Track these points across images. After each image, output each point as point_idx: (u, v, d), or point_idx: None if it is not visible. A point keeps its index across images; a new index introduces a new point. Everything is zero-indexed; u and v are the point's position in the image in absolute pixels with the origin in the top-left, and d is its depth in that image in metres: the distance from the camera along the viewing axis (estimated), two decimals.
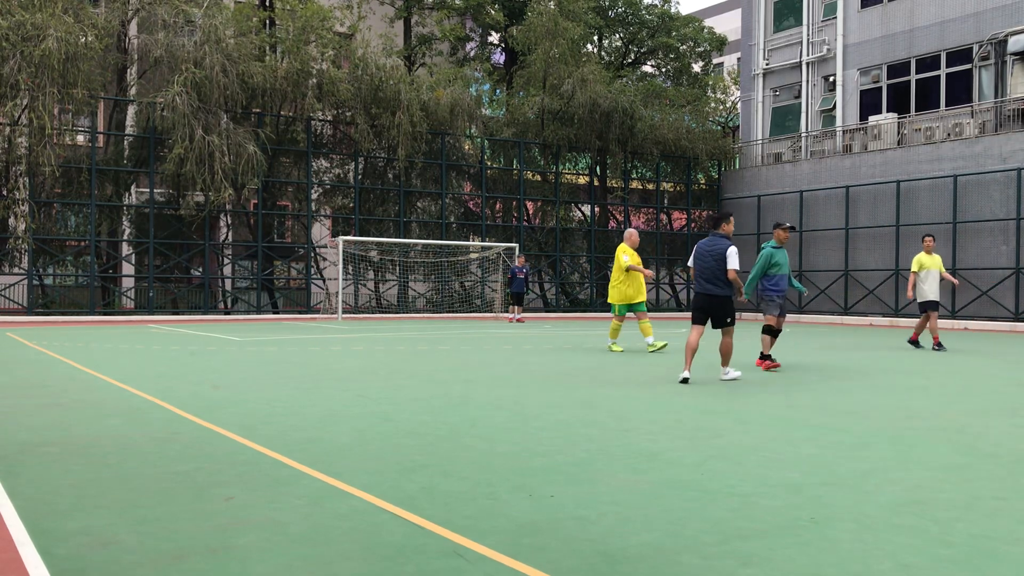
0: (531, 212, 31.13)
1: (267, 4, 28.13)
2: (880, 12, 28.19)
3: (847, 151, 28.31)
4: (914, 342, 14.85)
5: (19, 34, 20.58)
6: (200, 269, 26.50)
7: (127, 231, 25.71)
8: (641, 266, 13.29)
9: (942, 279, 14.62)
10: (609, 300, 13.50)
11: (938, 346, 14.40)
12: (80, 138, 25.69)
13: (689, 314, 32.12)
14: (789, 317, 29.05)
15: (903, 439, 5.73)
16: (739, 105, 35.14)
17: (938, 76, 26.69)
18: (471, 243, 28.29)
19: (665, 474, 4.62)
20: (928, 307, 14.30)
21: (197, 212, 23.92)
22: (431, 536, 3.46)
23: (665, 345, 13.75)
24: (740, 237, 31.70)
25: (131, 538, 3.40)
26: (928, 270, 14.34)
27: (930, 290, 14.29)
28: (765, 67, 31.60)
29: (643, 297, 13.28)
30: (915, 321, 25.19)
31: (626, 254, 13.16)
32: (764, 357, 10.82)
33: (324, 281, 27.41)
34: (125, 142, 25.63)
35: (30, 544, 3.31)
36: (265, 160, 24.41)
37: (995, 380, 9.71)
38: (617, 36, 37.60)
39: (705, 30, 37.43)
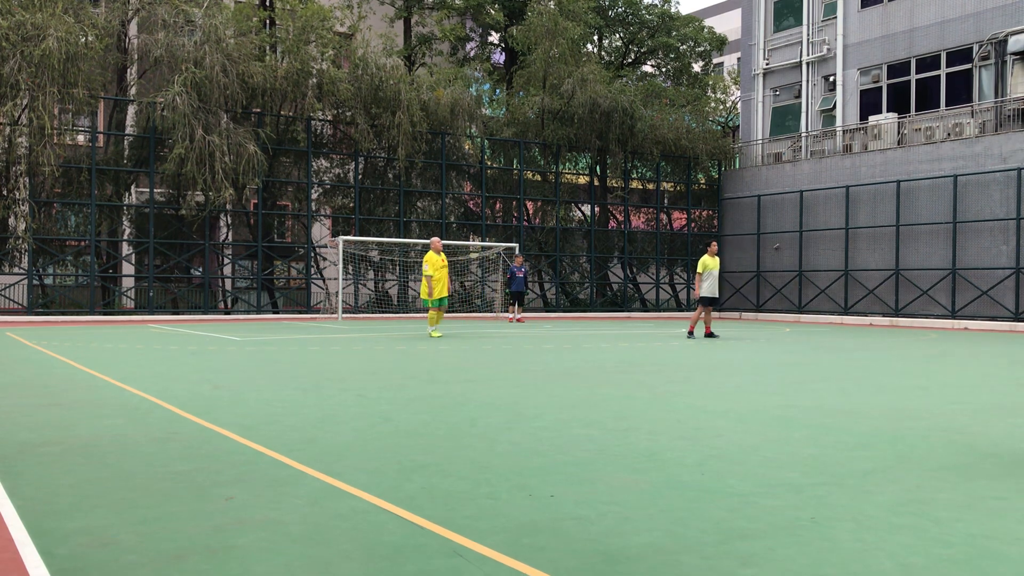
0: (531, 212, 31.13)
1: (267, 4, 28.12)
2: (880, 12, 28.19)
3: (847, 151, 28.31)
4: (691, 333, 17.13)
5: (19, 34, 20.58)
6: (200, 269, 26.51)
7: (127, 231, 25.72)
8: (437, 274, 16.16)
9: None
10: (421, 296, 16.58)
11: (710, 335, 16.91)
12: (80, 138, 25.70)
13: (689, 314, 32.17)
14: (788, 317, 29.10)
15: (903, 439, 5.73)
16: (739, 105, 35.14)
17: (938, 76, 26.70)
18: (471, 243, 28.30)
19: (665, 474, 4.62)
20: (708, 302, 16.83)
21: (197, 212, 23.92)
22: (431, 536, 3.46)
23: (441, 336, 16.50)
24: (740, 237, 31.73)
25: (131, 538, 3.40)
26: (710, 271, 16.73)
27: (709, 288, 16.71)
28: (765, 67, 31.60)
29: (446, 294, 16.40)
30: (914, 320, 25.24)
31: (427, 263, 16.15)
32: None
33: (324, 281, 27.42)
34: (125, 142, 25.63)
35: (30, 544, 3.31)
36: (265, 160, 24.41)
37: (995, 380, 9.71)
38: (617, 36, 37.60)
39: (705, 30, 37.42)
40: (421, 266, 16.36)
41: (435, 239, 16.59)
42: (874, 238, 27.18)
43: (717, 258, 17.08)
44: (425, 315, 26.91)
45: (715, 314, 31.66)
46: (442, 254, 16.45)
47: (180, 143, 22.26)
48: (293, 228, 29.51)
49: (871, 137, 27.57)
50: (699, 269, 16.78)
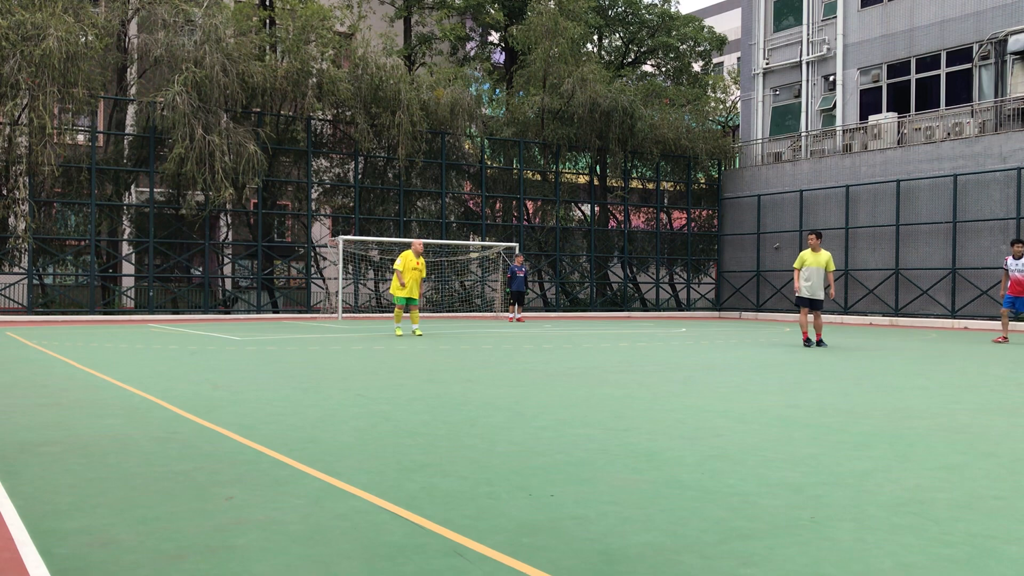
0: (531, 212, 31.13)
1: (267, 4, 28.12)
2: (880, 11, 28.18)
3: (847, 151, 28.31)
4: (807, 340, 14.97)
5: (19, 34, 20.58)
6: (200, 268, 26.51)
7: (127, 230, 25.72)
8: (404, 274, 16.36)
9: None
10: (391, 291, 16.83)
11: (819, 342, 14.88)
12: (80, 138, 25.70)
13: (689, 314, 32.09)
14: (788, 316, 29.08)
15: (903, 439, 5.73)
16: (739, 104, 35.14)
17: (938, 75, 26.70)
18: (471, 243, 28.30)
19: (665, 474, 4.62)
20: (805, 303, 14.88)
21: (197, 212, 23.92)
22: (431, 536, 3.46)
23: (421, 335, 16.73)
24: (740, 237, 31.73)
25: (131, 538, 3.40)
26: (808, 266, 14.83)
27: (807, 287, 14.82)
28: (765, 66, 31.60)
29: (415, 296, 16.65)
30: (914, 320, 25.23)
31: (401, 259, 16.52)
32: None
33: (324, 281, 27.41)
34: (125, 142, 25.63)
35: (30, 544, 3.31)
36: (265, 159, 24.41)
37: (995, 380, 9.71)
38: (617, 36, 37.60)
39: (705, 29, 37.43)
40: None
41: (417, 241, 16.97)
42: (874, 238, 27.18)
43: (824, 252, 14.86)
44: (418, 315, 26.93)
45: (714, 314, 31.67)
46: (421, 258, 16.68)
47: (180, 143, 22.26)
48: (293, 228, 29.51)
49: (871, 137, 27.57)
50: (796, 264, 15.01)
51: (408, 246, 27.48)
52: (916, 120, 26.88)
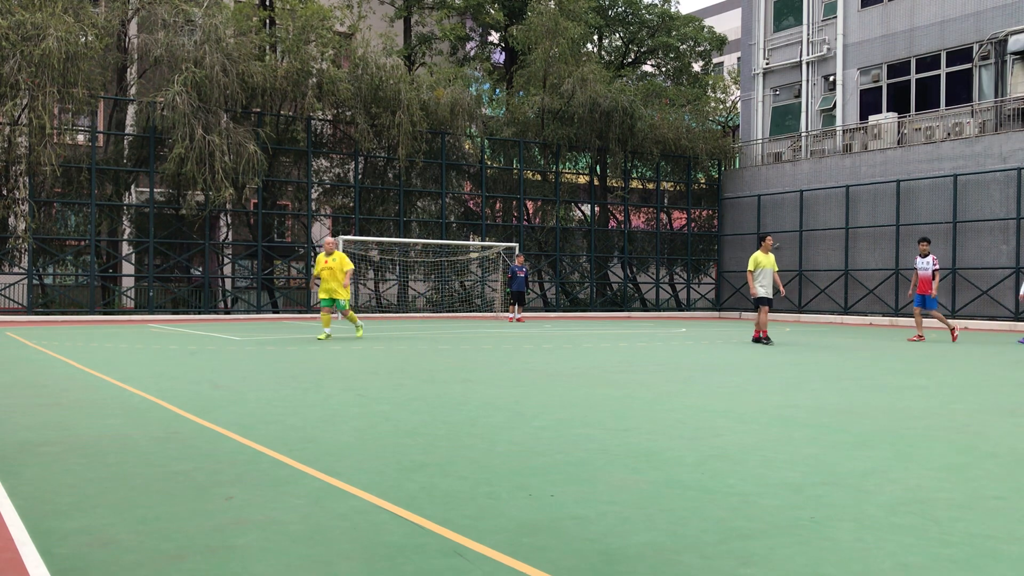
0: (531, 212, 31.13)
1: (267, 4, 28.12)
2: (880, 11, 28.19)
3: (847, 151, 28.31)
4: (764, 338, 15.34)
5: (19, 34, 20.58)
6: (200, 269, 26.50)
7: (127, 231, 25.72)
8: (323, 274, 15.44)
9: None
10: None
11: (766, 339, 15.32)
12: (80, 138, 25.70)
13: (689, 314, 32.09)
14: (788, 316, 29.08)
15: (903, 439, 5.73)
16: (739, 104, 35.13)
17: (938, 75, 26.70)
18: (471, 243, 28.29)
19: (665, 474, 4.62)
20: (765, 302, 15.41)
21: (197, 212, 23.92)
22: (431, 536, 3.46)
23: (329, 337, 15.49)
24: (740, 237, 31.73)
25: (131, 538, 3.40)
26: (763, 268, 15.33)
27: (766, 287, 15.38)
28: (765, 66, 31.60)
29: (339, 296, 15.46)
30: (911, 320, 25.21)
31: (316, 261, 15.81)
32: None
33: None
34: (125, 142, 25.63)
35: (30, 544, 3.31)
36: (265, 159, 24.40)
37: (995, 380, 9.71)
38: (617, 36, 37.61)
39: (705, 29, 37.43)
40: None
41: (327, 239, 15.72)
42: (874, 238, 27.18)
43: (772, 255, 15.55)
44: (418, 315, 26.94)
45: (714, 314, 31.67)
46: (335, 254, 15.39)
47: (180, 143, 22.26)
48: (293, 228, 29.51)
49: (871, 137, 27.57)
50: (750, 267, 15.35)
51: (409, 249, 27.79)
52: (916, 120, 26.88)
